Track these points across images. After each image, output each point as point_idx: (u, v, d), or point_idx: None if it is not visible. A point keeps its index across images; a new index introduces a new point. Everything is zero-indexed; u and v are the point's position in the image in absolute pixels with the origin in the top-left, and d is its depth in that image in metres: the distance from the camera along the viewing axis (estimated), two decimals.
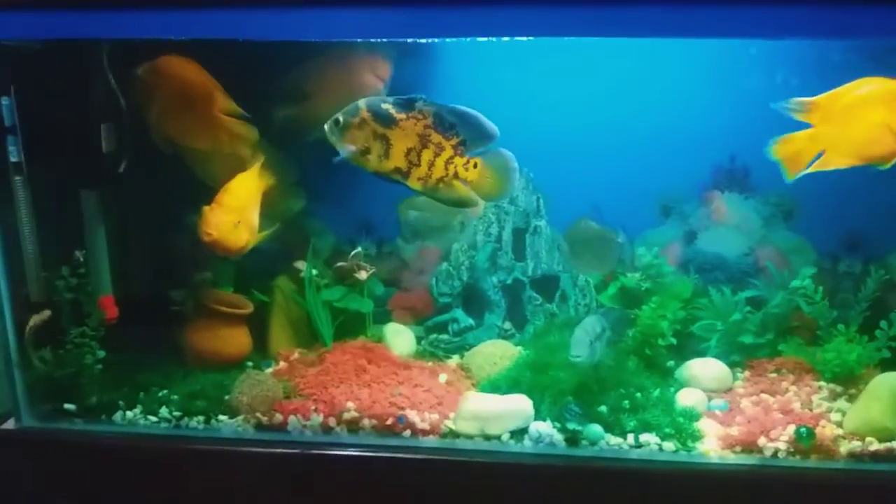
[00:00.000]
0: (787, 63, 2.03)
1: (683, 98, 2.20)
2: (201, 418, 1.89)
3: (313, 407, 1.87)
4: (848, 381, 1.91)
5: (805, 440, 1.70)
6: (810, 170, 1.75)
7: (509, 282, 2.23)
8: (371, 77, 2.04)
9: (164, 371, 2.05)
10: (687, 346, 2.06)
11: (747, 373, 2.04)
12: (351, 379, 1.97)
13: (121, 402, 1.93)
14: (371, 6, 1.58)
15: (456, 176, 1.72)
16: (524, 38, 1.87)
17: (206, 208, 1.88)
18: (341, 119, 1.68)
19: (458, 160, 1.71)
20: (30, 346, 1.91)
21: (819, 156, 1.75)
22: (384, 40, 2.04)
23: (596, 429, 1.75)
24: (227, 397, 1.91)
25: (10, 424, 1.93)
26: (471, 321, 2.24)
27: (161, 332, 2.08)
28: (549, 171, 2.18)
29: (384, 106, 1.68)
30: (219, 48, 1.75)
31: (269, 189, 2.06)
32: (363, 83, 2.02)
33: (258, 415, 1.86)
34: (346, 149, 1.68)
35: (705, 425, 1.81)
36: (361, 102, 1.69)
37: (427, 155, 1.69)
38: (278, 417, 1.85)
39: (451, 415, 1.84)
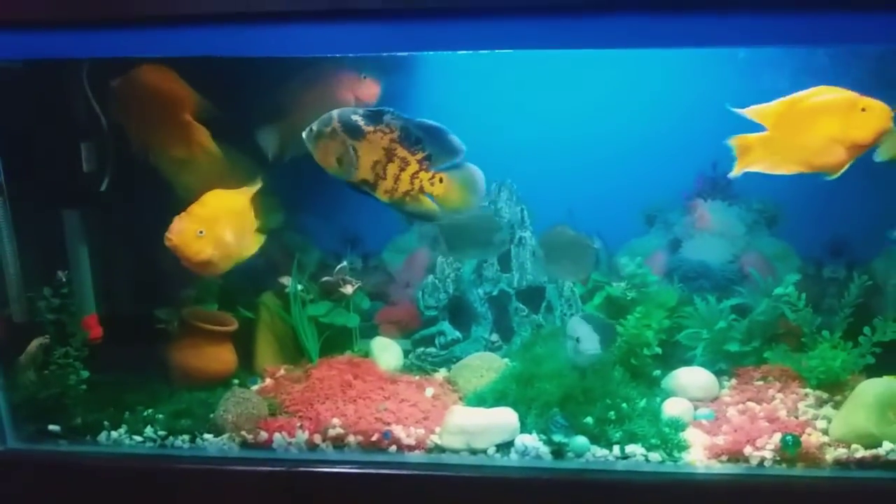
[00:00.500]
0: (767, 70, 2.04)
1: (666, 107, 2.21)
2: (186, 437, 1.88)
3: (299, 424, 1.86)
4: (834, 388, 1.91)
5: (791, 448, 1.69)
6: (758, 170, 1.77)
7: (495, 293, 2.23)
8: (348, 95, 2.04)
9: (149, 390, 2.04)
10: (673, 356, 2.06)
11: (734, 381, 2.04)
12: (337, 395, 1.97)
13: (105, 423, 1.92)
14: (345, 21, 1.59)
15: (422, 190, 1.73)
16: (506, 51, 1.89)
17: (176, 216, 1.88)
18: (315, 128, 1.70)
19: (424, 175, 1.73)
20: (31, 368, 1.92)
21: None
22: (363, 57, 2.04)
23: (581, 441, 1.75)
24: (212, 416, 1.90)
25: None
26: (458, 334, 2.24)
27: (146, 350, 2.08)
28: (533, 182, 2.19)
29: (354, 117, 1.69)
30: (196, 64, 1.76)
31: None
32: (341, 103, 2.02)
33: (243, 433, 1.85)
34: (319, 158, 1.71)
35: (692, 435, 1.81)
36: (335, 112, 1.70)
37: (392, 168, 1.71)
38: (263, 435, 1.84)
39: (437, 429, 1.84)
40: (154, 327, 2.12)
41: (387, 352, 2.21)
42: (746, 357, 2.06)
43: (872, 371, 1.88)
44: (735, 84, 1.86)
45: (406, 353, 2.24)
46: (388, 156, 1.70)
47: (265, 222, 2.03)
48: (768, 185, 1.88)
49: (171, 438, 1.88)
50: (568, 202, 2.12)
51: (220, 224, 1.90)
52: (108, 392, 2.00)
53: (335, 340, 2.22)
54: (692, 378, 1.98)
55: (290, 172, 2.11)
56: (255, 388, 2.07)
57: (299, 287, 2.18)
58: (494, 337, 2.23)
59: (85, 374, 1.93)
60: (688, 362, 2.05)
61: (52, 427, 1.91)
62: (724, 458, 1.73)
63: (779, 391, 1.96)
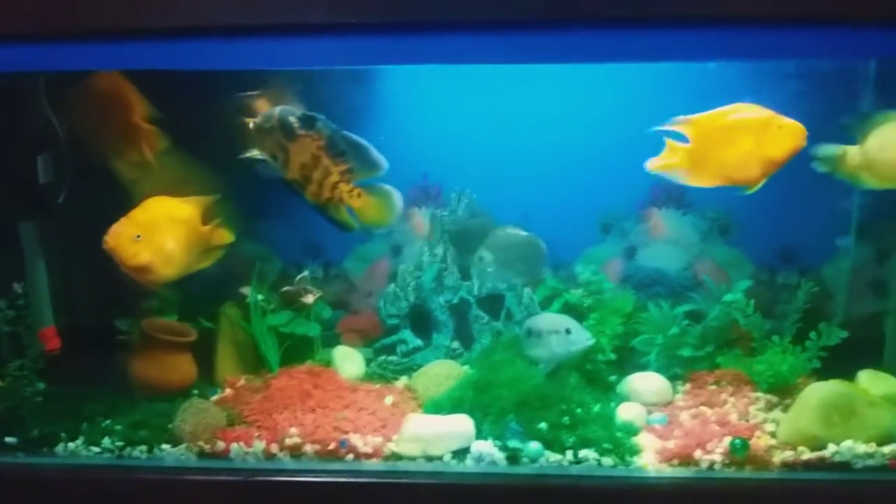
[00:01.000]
0: (719, 83, 2.08)
1: (621, 118, 2.24)
2: (144, 448, 1.88)
3: (256, 434, 1.87)
4: (784, 392, 1.96)
5: (739, 452, 1.73)
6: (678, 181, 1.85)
7: (456, 301, 2.25)
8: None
9: (107, 401, 2.03)
10: (629, 361, 2.09)
11: (688, 385, 2.07)
12: (296, 404, 1.97)
13: (62, 434, 1.91)
14: (300, 35, 1.61)
15: (341, 200, 1.79)
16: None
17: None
18: (258, 122, 1.75)
19: (344, 186, 1.79)
20: None
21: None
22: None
23: (533, 446, 1.77)
24: (170, 426, 1.90)
25: None
26: (419, 342, 2.26)
27: (104, 361, 2.08)
28: (491, 191, 2.22)
29: (290, 119, 1.74)
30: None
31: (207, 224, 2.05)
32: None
33: (200, 443, 1.86)
34: (256, 152, 1.79)
35: (644, 439, 1.84)
36: (276, 110, 1.76)
37: (317, 174, 1.77)
38: (221, 445, 1.85)
39: (395, 437, 1.85)
40: (114, 338, 2.12)
41: (348, 361, 2.23)
42: (700, 362, 2.10)
43: (820, 375, 1.93)
44: (691, 95, 1.90)
45: (368, 362, 2.26)
46: (314, 161, 1.77)
47: (223, 234, 2.04)
48: (721, 195, 1.92)
49: (128, 449, 1.88)
50: (526, 211, 2.18)
51: (159, 230, 1.89)
52: (66, 403, 1.99)
53: (297, 350, 2.23)
54: (646, 383, 2.02)
55: (250, 181, 2.12)
56: (214, 398, 2.08)
57: (260, 297, 2.19)
58: (455, 344, 2.26)
59: (40, 385, 1.92)
60: (643, 367, 2.09)
61: (8, 439, 1.90)
62: (675, 461, 1.76)
63: (731, 395, 2.00)
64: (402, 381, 2.19)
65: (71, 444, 1.90)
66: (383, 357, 2.25)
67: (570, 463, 1.77)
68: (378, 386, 2.14)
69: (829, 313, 2.07)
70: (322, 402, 1.99)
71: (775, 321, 2.08)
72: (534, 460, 1.77)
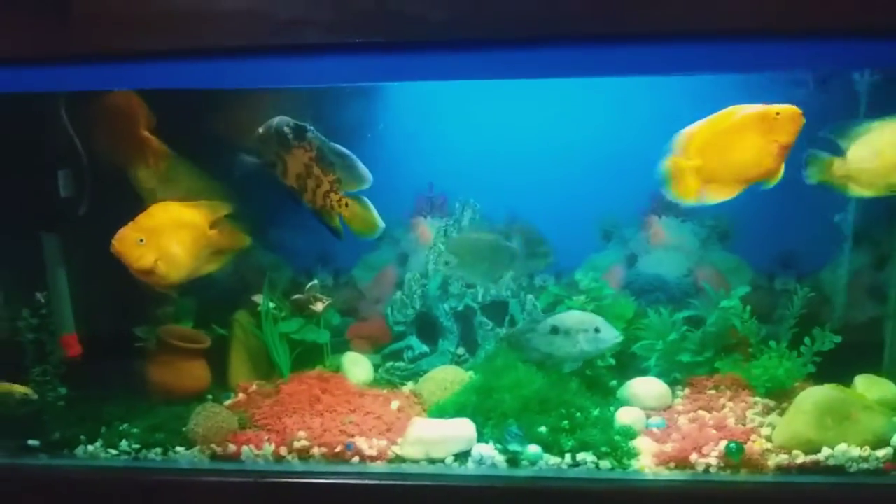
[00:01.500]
0: (718, 92, 2.12)
1: (622, 127, 2.28)
2: (159, 450, 1.96)
3: (266, 437, 1.94)
4: (781, 396, 1.99)
5: (734, 455, 1.76)
6: (701, 202, 1.83)
7: (461, 308, 2.31)
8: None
9: (125, 405, 2.11)
10: (629, 366, 2.14)
11: (687, 390, 2.11)
12: (305, 409, 2.04)
13: (83, 437, 2.00)
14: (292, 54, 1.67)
15: (332, 209, 1.89)
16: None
17: None
18: (259, 131, 1.84)
19: (334, 196, 1.89)
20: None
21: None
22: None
23: (533, 450, 1.82)
24: (184, 429, 1.98)
25: None
26: (425, 348, 2.32)
27: (123, 367, 2.16)
28: (494, 200, 2.27)
29: (286, 129, 1.83)
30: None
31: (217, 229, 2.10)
32: None
33: (213, 445, 1.93)
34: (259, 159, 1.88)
35: (642, 443, 1.88)
36: (275, 120, 1.84)
37: (311, 183, 1.87)
38: (232, 448, 1.92)
39: (399, 440, 1.91)
40: (132, 345, 2.20)
41: (357, 366, 2.29)
42: (700, 367, 2.13)
43: (816, 379, 1.96)
44: (692, 97, 1.94)
45: (376, 368, 2.32)
46: (307, 171, 1.86)
47: (231, 238, 2.11)
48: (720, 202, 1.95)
49: (144, 451, 1.96)
50: (530, 219, 2.22)
51: (164, 234, 1.94)
52: (87, 407, 2.08)
53: (308, 356, 2.30)
54: (646, 388, 2.06)
55: (261, 192, 2.20)
56: (227, 402, 2.15)
57: (271, 305, 2.26)
58: (461, 350, 2.32)
59: (62, 390, 2.01)
60: (644, 372, 2.13)
61: (30, 442, 1.99)
62: (672, 465, 1.80)
63: (729, 400, 2.03)
64: (409, 386, 2.26)
65: (90, 447, 1.99)
66: (391, 363, 2.32)
67: (569, 466, 1.82)
68: (385, 391, 2.21)
69: (826, 318, 2.09)
70: (330, 406, 2.06)
71: (773, 326, 2.11)
72: (533, 463, 1.82)
